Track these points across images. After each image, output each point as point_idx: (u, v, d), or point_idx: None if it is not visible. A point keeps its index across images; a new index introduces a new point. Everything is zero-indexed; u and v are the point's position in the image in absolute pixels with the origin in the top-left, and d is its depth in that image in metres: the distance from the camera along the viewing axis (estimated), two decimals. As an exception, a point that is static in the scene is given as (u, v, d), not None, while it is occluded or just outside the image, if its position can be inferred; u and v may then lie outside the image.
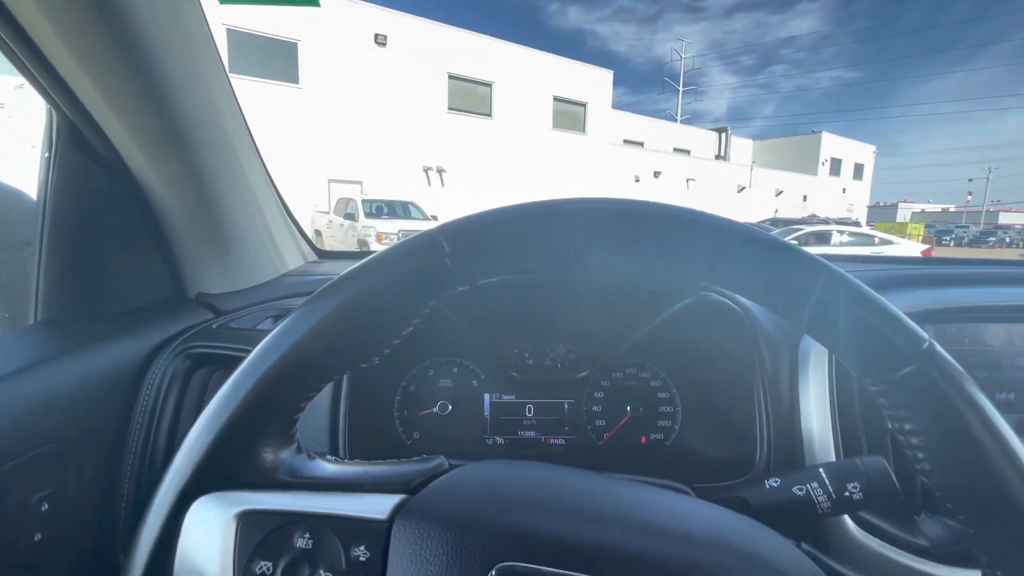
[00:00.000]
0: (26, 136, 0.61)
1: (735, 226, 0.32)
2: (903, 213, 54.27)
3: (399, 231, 8.91)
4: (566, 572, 0.28)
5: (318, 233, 11.28)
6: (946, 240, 36.83)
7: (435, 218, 10.29)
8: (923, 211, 61.53)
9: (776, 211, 26.25)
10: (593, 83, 18.30)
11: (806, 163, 30.90)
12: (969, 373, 0.29)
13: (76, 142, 0.62)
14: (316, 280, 0.88)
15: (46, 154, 0.61)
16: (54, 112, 0.60)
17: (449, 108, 15.26)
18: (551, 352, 0.83)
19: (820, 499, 0.46)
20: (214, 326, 0.72)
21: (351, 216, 10.03)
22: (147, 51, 0.55)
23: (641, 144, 24.97)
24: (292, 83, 12.74)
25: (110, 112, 0.58)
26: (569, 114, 17.88)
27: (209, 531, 0.31)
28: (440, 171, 15.28)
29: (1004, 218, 56.53)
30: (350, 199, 10.61)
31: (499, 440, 0.80)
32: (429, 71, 14.70)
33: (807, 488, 0.47)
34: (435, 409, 0.79)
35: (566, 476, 0.36)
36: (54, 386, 0.54)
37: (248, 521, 0.31)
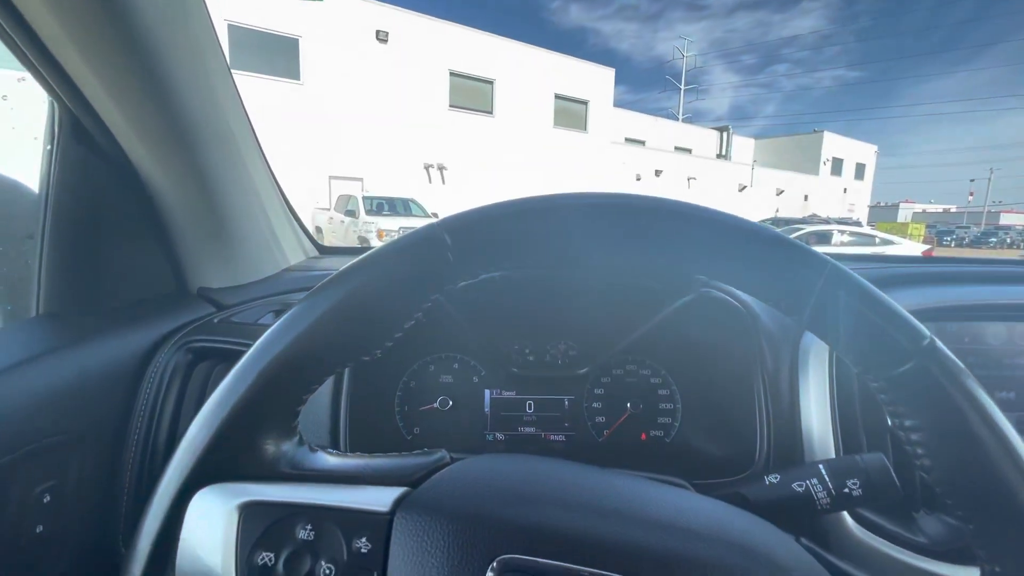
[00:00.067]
0: (28, 129, 0.61)
1: (739, 222, 0.32)
2: (904, 213, 54.20)
3: (400, 228, 8.91)
4: (566, 565, 0.28)
5: (319, 230, 11.28)
6: (947, 241, 36.82)
7: (435, 215, 10.29)
8: (924, 211, 61.49)
9: (777, 210, 26.25)
10: (595, 81, 18.27)
11: (807, 162, 30.87)
12: (969, 371, 0.29)
13: (78, 135, 0.62)
14: (317, 275, 0.88)
15: (48, 147, 0.61)
16: (56, 105, 0.60)
17: (450, 105, 15.24)
18: (552, 348, 0.83)
19: (820, 495, 0.46)
20: (215, 320, 0.73)
21: (352, 213, 10.03)
22: (150, 44, 0.55)
23: (642, 143, 24.95)
24: (293, 79, 12.73)
25: (113, 105, 0.58)
26: (570, 112, 17.86)
27: (211, 522, 0.31)
28: (441, 168, 15.27)
29: (1005, 219, 56.50)
30: (351, 196, 10.60)
31: (499, 436, 0.80)
32: (430, 68, 14.68)
33: (807, 484, 0.47)
34: (435, 405, 0.80)
35: (567, 470, 0.36)
36: (56, 379, 0.54)
37: (250, 512, 0.31)
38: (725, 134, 29.95)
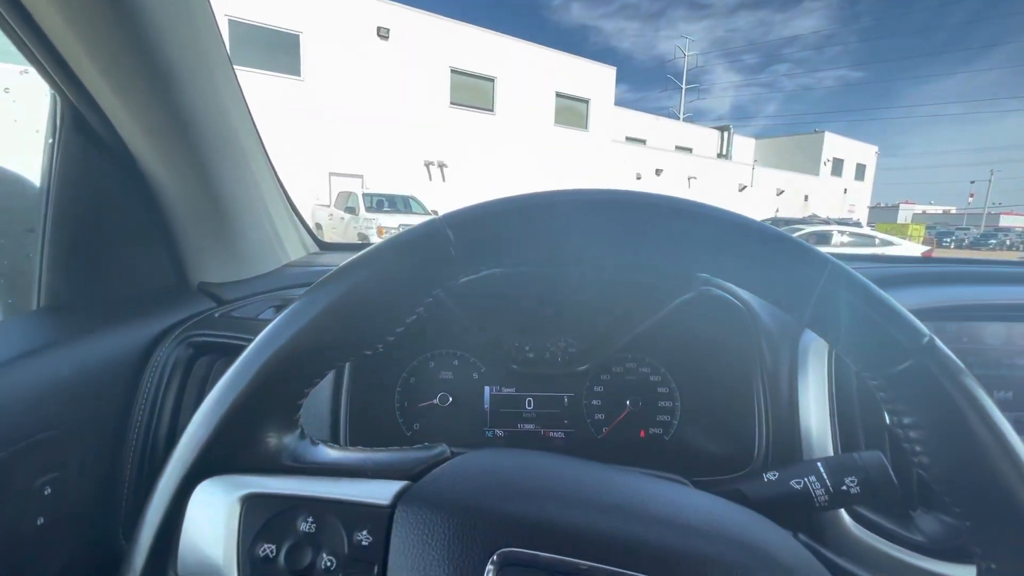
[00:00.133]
0: (30, 122, 0.61)
1: (742, 220, 0.32)
2: (904, 214, 54.20)
3: (399, 225, 8.91)
4: (566, 559, 0.29)
5: (319, 226, 11.26)
6: (946, 242, 36.85)
7: (435, 213, 10.27)
8: (924, 212, 61.47)
9: (777, 211, 26.25)
10: (596, 79, 18.23)
11: (808, 163, 30.85)
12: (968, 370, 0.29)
13: (80, 129, 0.62)
14: (318, 271, 0.88)
15: (50, 140, 0.61)
16: (58, 98, 0.60)
17: (451, 103, 15.21)
18: (551, 346, 0.83)
19: (817, 493, 0.46)
20: (216, 315, 0.73)
21: (352, 210, 10.02)
22: (153, 38, 0.55)
23: (643, 141, 24.93)
24: (294, 75, 12.69)
25: (115, 99, 0.58)
26: (571, 110, 17.83)
27: (213, 514, 0.31)
28: (441, 166, 15.25)
29: (1005, 221, 56.54)
30: (351, 193, 10.59)
31: (499, 433, 0.80)
32: (432, 65, 14.64)
33: (805, 482, 0.47)
34: (435, 401, 0.80)
35: (567, 465, 0.36)
36: (56, 372, 0.54)
37: (252, 504, 0.31)
38: (726, 134, 29.94)
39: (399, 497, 0.32)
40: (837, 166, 32.12)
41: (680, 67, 37.69)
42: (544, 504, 0.31)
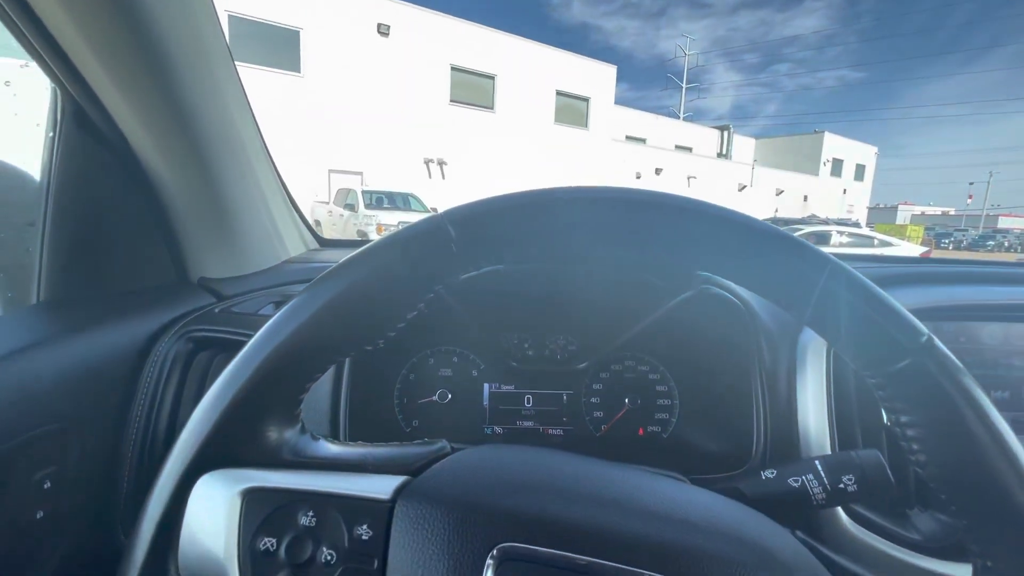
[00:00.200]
0: (31, 116, 0.61)
1: (743, 218, 0.32)
2: (903, 215, 54.31)
3: (399, 223, 8.89)
4: (565, 554, 0.29)
5: (318, 223, 11.24)
6: (945, 243, 36.93)
7: (435, 210, 10.15)
8: (923, 213, 61.60)
9: (776, 210, 26.26)
10: (596, 78, 18.20)
11: (808, 163, 30.85)
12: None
13: (81, 123, 0.62)
14: (317, 267, 0.88)
15: (50, 134, 0.61)
16: (59, 92, 0.60)
17: (451, 100, 15.17)
18: (551, 343, 0.83)
19: (815, 491, 0.46)
20: (216, 310, 0.73)
21: (351, 207, 10.00)
22: (154, 33, 0.55)
23: (643, 140, 24.90)
24: (294, 72, 12.65)
25: (115, 93, 0.58)
26: (572, 109, 17.81)
27: (214, 507, 0.31)
28: (441, 163, 15.22)
29: (1003, 222, 56.61)
30: (350, 190, 10.57)
31: (498, 430, 0.81)
32: (432, 62, 14.60)
33: (802, 480, 0.47)
34: (435, 397, 0.80)
35: (566, 460, 0.36)
36: (56, 366, 0.54)
37: (253, 498, 0.32)
38: (726, 133, 29.92)
39: (399, 492, 0.32)
40: (836, 166, 32.12)
41: (680, 66, 37.70)
42: (544, 499, 0.32)
